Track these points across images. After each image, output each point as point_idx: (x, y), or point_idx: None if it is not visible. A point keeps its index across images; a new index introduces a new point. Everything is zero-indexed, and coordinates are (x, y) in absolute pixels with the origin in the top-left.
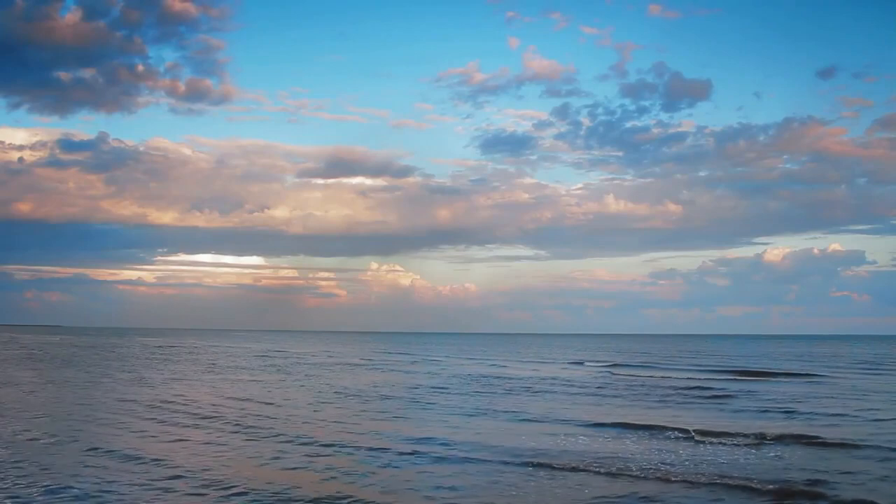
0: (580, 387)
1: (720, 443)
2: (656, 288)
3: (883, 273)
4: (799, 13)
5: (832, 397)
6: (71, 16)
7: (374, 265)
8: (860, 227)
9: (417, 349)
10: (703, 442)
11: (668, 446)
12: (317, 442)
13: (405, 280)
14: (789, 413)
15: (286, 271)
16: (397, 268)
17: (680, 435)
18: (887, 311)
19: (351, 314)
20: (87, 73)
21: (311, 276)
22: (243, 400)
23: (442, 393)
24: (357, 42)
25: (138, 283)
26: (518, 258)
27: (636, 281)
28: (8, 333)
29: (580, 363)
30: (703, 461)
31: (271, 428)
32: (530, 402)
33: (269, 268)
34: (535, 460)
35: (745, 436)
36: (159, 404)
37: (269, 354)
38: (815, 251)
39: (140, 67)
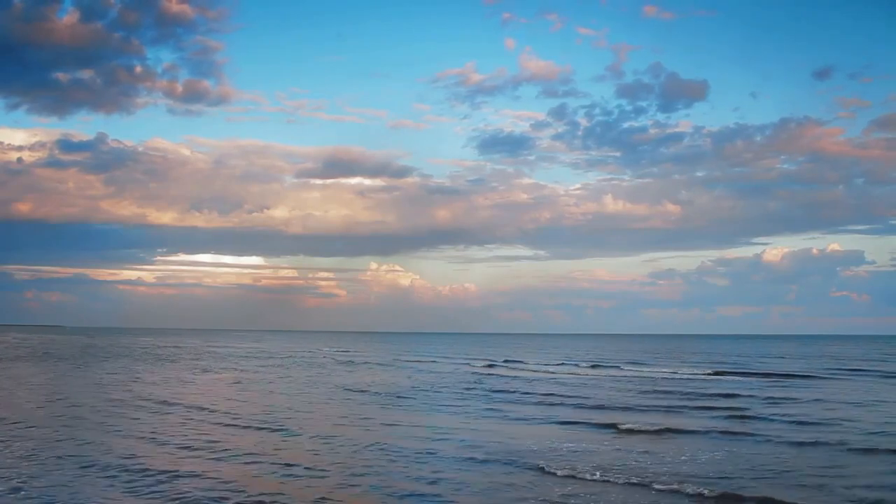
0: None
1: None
2: (656, 288)
3: (882, 273)
4: (795, 14)
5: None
6: (69, 17)
7: (374, 265)
8: (859, 227)
9: (364, 347)
10: None
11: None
12: None
13: (405, 280)
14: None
15: (286, 271)
16: (397, 268)
17: None
18: (887, 311)
19: (351, 314)
20: (86, 73)
21: (310, 276)
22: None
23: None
24: (355, 43)
25: (138, 283)
26: (518, 258)
27: (636, 281)
28: None
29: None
30: None
31: None
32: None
33: (269, 268)
34: None
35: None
36: None
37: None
38: (815, 251)
39: (138, 68)
